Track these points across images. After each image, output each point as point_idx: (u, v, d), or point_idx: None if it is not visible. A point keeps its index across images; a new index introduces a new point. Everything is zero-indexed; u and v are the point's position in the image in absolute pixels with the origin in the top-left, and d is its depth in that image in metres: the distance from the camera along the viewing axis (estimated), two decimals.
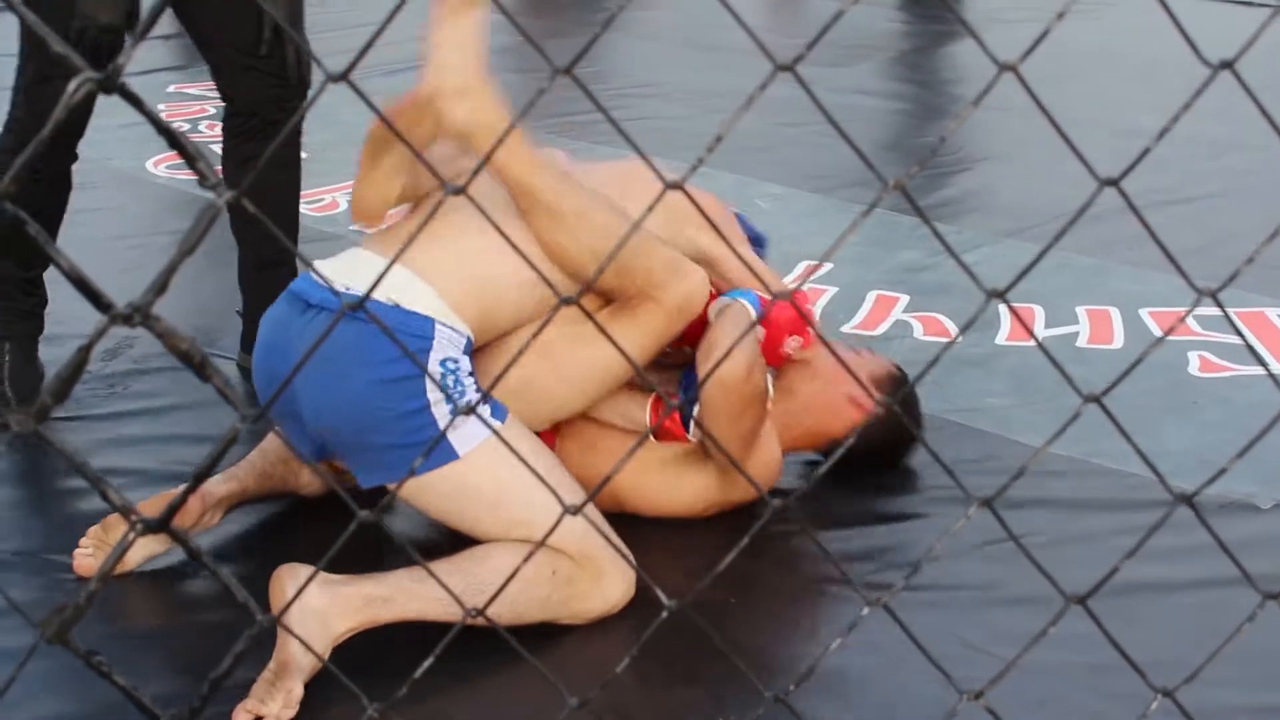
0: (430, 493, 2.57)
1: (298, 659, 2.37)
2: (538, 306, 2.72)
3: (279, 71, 3.40)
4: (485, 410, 2.53)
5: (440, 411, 2.50)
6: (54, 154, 3.32)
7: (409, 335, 2.52)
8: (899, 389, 3.05)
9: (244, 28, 3.35)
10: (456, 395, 2.50)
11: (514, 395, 2.67)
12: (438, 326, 2.56)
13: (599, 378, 2.74)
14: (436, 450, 2.50)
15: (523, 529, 2.52)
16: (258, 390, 2.75)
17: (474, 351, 2.68)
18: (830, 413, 3.06)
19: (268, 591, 2.47)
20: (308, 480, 2.95)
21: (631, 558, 2.46)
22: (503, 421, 2.57)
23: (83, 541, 2.75)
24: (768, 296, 2.79)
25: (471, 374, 2.60)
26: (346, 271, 2.64)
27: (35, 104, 3.31)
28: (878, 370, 3.12)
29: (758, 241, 3.09)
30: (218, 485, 2.81)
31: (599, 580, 2.59)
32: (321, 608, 2.43)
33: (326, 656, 2.42)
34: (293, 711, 2.35)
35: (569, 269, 2.66)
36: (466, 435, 2.52)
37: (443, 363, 2.55)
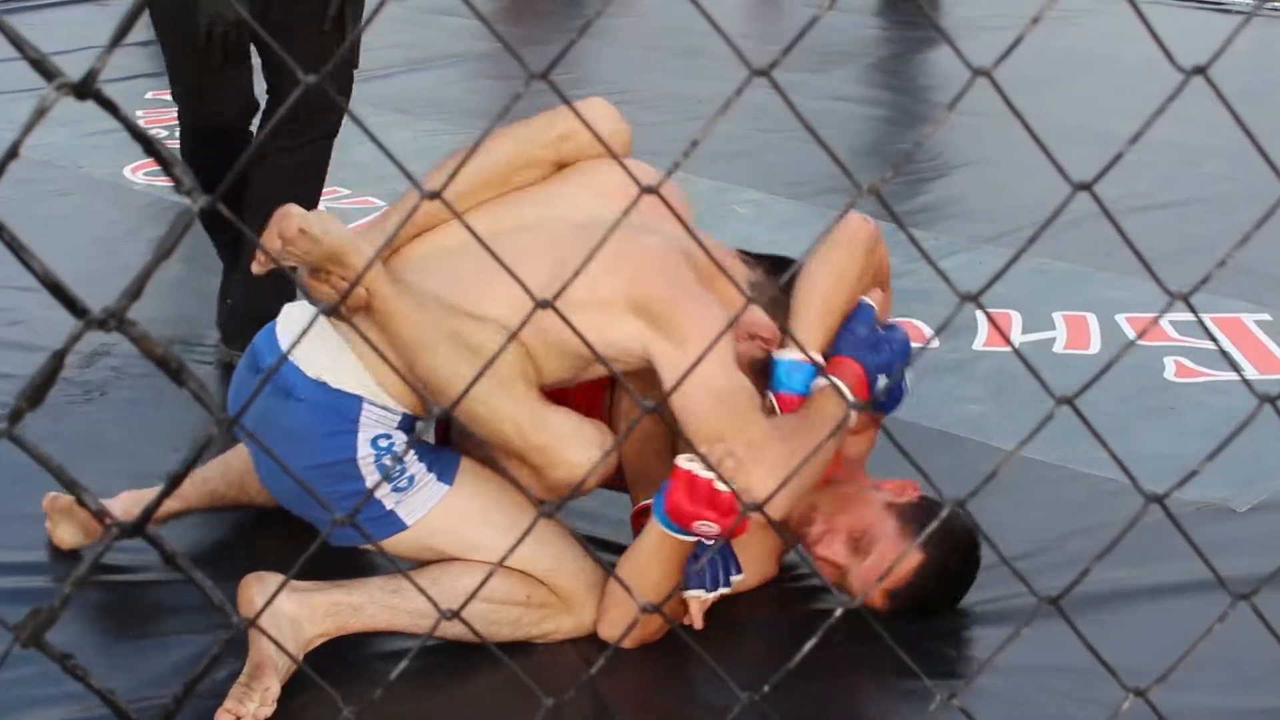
0: (395, 551, 2.57)
1: (273, 659, 2.38)
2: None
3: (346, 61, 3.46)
4: (430, 478, 2.52)
5: (383, 493, 2.48)
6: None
7: (335, 416, 2.48)
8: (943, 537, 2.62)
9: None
10: (397, 474, 2.48)
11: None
12: (365, 406, 2.49)
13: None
14: (384, 523, 2.51)
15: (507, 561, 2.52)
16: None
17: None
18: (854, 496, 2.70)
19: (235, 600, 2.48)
20: (258, 496, 2.90)
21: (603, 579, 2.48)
22: (450, 484, 2.54)
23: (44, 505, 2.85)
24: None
25: (409, 442, 2.48)
26: (286, 337, 2.60)
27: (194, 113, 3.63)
28: (900, 498, 2.71)
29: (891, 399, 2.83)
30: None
31: (573, 609, 2.59)
32: (292, 613, 2.46)
33: (299, 657, 2.44)
34: (270, 710, 2.36)
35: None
36: (413, 506, 2.52)
37: (373, 442, 2.48)
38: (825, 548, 2.59)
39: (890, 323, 2.75)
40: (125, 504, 2.79)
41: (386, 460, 2.49)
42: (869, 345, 2.66)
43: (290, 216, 2.37)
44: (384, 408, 2.49)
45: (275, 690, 2.37)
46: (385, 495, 2.48)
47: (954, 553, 2.61)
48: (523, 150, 2.61)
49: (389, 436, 2.50)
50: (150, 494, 2.80)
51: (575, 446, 2.44)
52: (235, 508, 2.95)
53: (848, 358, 2.62)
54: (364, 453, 2.49)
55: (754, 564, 2.71)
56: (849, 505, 2.64)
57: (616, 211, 2.31)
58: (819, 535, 2.61)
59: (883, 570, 2.53)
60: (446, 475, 2.55)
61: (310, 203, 3.49)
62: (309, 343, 2.45)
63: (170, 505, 2.85)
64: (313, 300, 2.47)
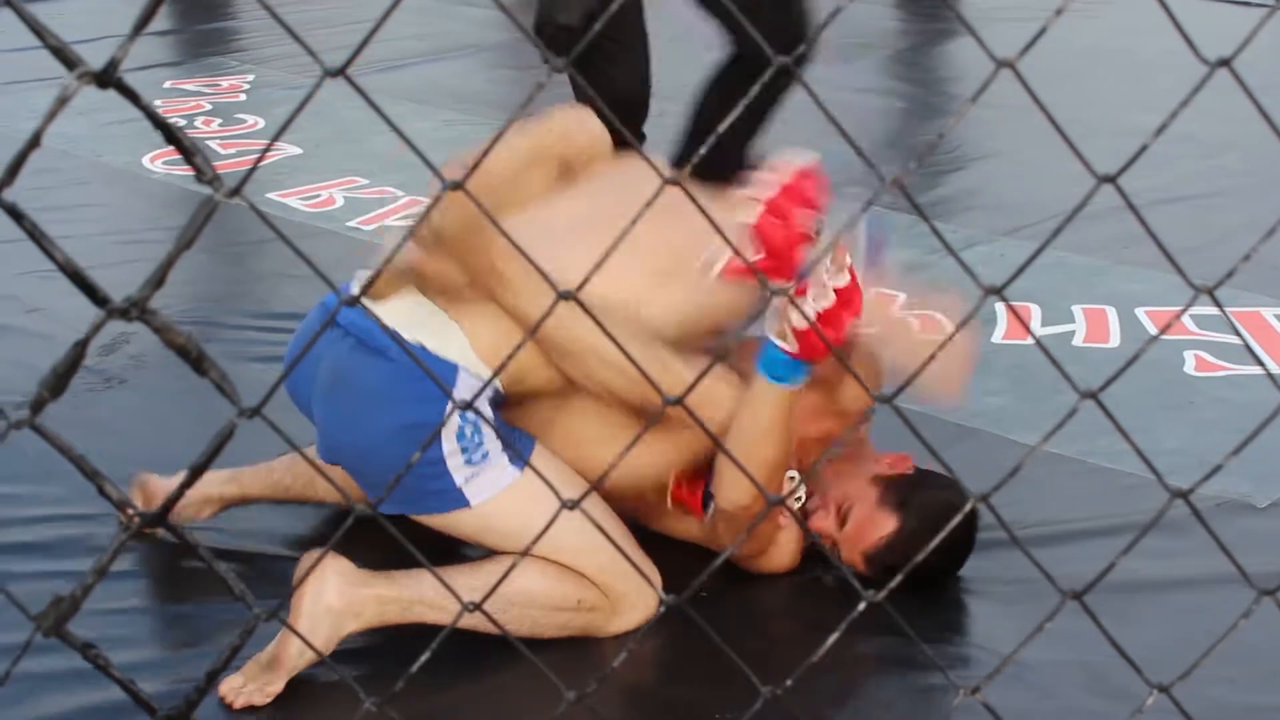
0: (453, 529, 2.57)
1: (292, 655, 2.38)
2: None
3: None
4: (503, 460, 2.50)
5: (455, 463, 2.46)
6: None
7: (430, 380, 2.47)
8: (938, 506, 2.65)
9: None
10: (474, 446, 2.47)
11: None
12: (461, 374, 2.49)
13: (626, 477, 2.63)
14: (449, 498, 2.50)
15: (558, 556, 2.53)
16: (287, 389, 2.70)
17: (512, 404, 2.63)
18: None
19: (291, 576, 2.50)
20: (327, 495, 2.92)
21: (657, 579, 2.47)
22: (521, 469, 2.50)
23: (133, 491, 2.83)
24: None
25: (494, 420, 2.53)
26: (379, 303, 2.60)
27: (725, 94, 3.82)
28: (887, 470, 2.76)
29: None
30: (220, 484, 2.85)
31: (620, 612, 2.57)
32: (337, 607, 2.43)
33: (333, 645, 2.44)
34: (265, 700, 2.38)
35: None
36: (481, 485, 2.50)
37: (463, 414, 2.47)
38: (817, 521, 2.68)
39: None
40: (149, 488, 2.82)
41: (467, 430, 2.47)
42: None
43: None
44: (478, 378, 2.48)
45: (277, 688, 2.38)
46: (457, 469, 2.46)
47: (928, 521, 2.60)
48: (535, 144, 2.62)
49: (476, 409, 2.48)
50: (208, 475, 2.82)
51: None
52: (299, 502, 2.95)
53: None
54: (450, 421, 2.46)
55: (778, 552, 2.72)
56: (841, 479, 2.72)
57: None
58: (814, 509, 2.71)
59: (859, 538, 2.63)
60: (518, 461, 2.51)
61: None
62: (403, 304, 2.49)
63: (227, 490, 2.87)
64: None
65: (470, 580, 2.45)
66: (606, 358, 2.45)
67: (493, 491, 2.50)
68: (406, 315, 2.50)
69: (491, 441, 2.49)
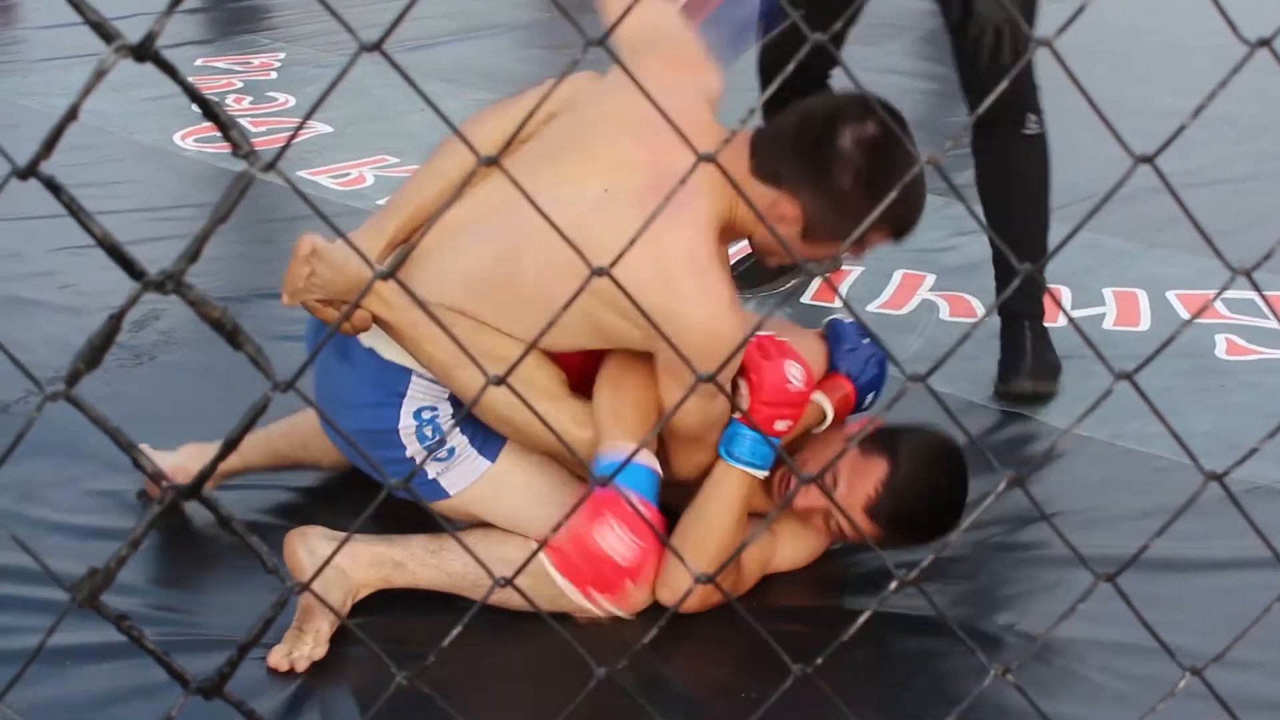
0: (447, 513, 2.59)
1: (321, 607, 2.41)
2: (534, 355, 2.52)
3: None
4: (472, 452, 2.53)
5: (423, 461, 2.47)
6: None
7: (382, 389, 2.50)
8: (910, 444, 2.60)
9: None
10: (437, 446, 2.46)
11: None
12: (414, 378, 2.50)
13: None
14: (429, 490, 2.53)
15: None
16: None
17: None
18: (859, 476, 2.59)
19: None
20: (323, 457, 2.95)
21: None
22: (492, 461, 2.54)
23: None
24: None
25: (453, 415, 2.52)
26: None
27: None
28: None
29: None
30: (197, 465, 2.87)
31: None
32: (338, 561, 2.48)
33: (348, 607, 2.49)
34: (323, 650, 2.42)
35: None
36: (455, 478, 2.54)
37: (416, 414, 2.50)
38: (804, 500, 2.57)
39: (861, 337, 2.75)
40: (188, 457, 2.86)
41: (428, 431, 2.50)
42: (861, 361, 2.72)
43: (309, 245, 2.38)
44: (433, 380, 2.48)
45: (326, 631, 2.43)
46: (428, 464, 2.48)
47: (918, 454, 2.56)
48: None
49: (434, 408, 2.51)
50: (210, 447, 2.87)
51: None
52: (297, 468, 2.98)
53: (842, 375, 2.70)
54: (405, 424, 2.50)
55: (803, 539, 2.71)
56: (815, 454, 2.65)
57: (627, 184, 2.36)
58: (799, 492, 2.58)
59: (854, 492, 2.53)
60: (489, 451, 2.55)
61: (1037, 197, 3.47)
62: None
63: (230, 463, 2.90)
64: None
65: (467, 543, 2.46)
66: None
67: (468, 481, 2.54)
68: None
69: (455, 437, 2.52)
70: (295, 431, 2.93)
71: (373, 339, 2.49)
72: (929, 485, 2.56)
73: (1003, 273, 3.48)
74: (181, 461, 2.85)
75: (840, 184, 2.36)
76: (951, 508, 2.59)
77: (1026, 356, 3.42)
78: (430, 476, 2.52)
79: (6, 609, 2.55)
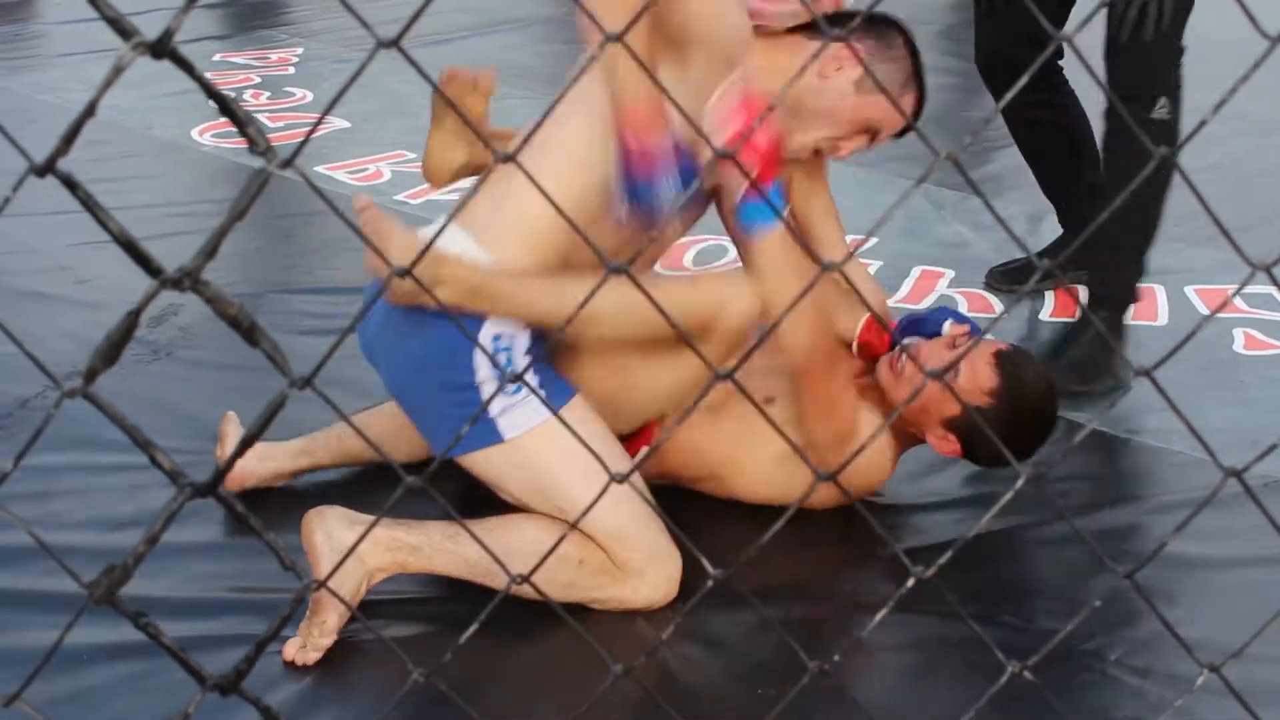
0: (479, 471, 2.58)
1: (332, 599, 2.41)
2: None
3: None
4: (540, 390, 2.52)
5: (488, 390, 2.47)
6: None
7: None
8: (1011, 383, 2.71)
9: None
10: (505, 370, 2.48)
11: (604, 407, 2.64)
12: None
13: (676, 380, 2.68)
14: (481, 431, 2.50)
15: (567, 517, 2.52)
16: (363, 353, 2.75)
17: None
18: (938, 396, 2.73)
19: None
20: (393, 456, 2.96)
21: (676, 557, 2.49)
22: (562, 404, 2.53)
23: (217, 450, 2.92)
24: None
25: (530, 350, 2.53)
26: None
27: None
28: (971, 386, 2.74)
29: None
30: (293, 457, 2.93)
31: (629, 578, 2.55)
32: (351, 541, 2.46)
33: (362, 593, 2.49)
34: (330, 639, 2.41)
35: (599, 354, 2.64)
36: (516, 419, 2.50)
37: (495, 338, 2.48)
38: (903, 387, 2.75)
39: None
40: (255, 455, 2.91)
41: (501, 359, 2.48)
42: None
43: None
44: None
45: (333, 621, 2.42)
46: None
47: (1028, 382, 2.71)
48: None
49: (511, 335, 2.50)
50: (278, 447, 2.91)
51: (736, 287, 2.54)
52: (366, 466, 3.01)
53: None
54: (484, 339, 2.48)
55: (868, 466, 2.79)
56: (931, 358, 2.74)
57: None
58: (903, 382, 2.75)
59: (973, 384, 2.69)
60: (560, 396, 2.54)
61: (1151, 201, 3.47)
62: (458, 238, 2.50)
63: (299, 462, 2.93)
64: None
65: (482, 536, 2.47)
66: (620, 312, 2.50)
67: (526, 427, 2.50)
68: (448, 244, 2.51)
69: (527, 373, 2.50)
70: (367, 432, 2.95)
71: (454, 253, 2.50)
72: (1031, 407, 2.71)
73: (1100, 253, 3.54)
74: (249, 463, 2.90)
75: None
76: (1038, 435, 2.74)
77: (1078, 349, 3.47)
78: (489, 414, 2.48)
79: (25, 605, 2.55)
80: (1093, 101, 3.81)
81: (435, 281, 2.39)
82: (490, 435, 2.51)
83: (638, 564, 2.54)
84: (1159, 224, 3.48)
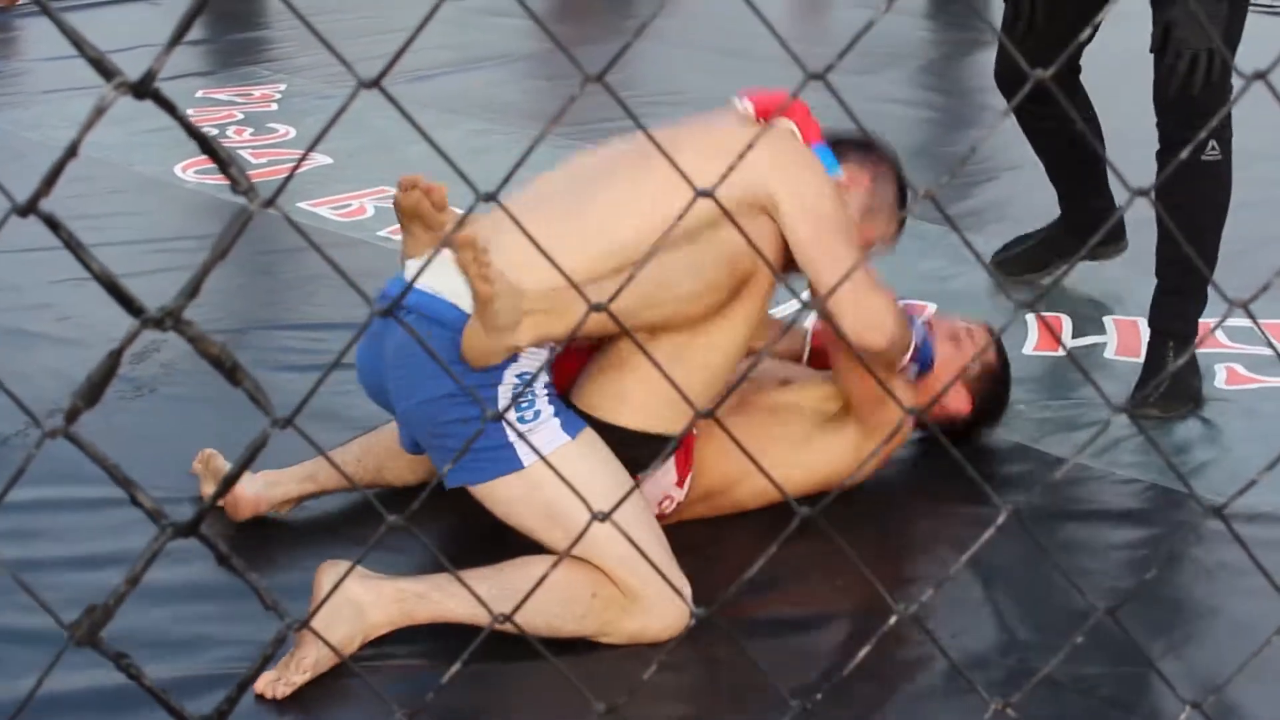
0: (495, 501, 2.58)
1: (311, 648, 2.41)
2: (632, 304, 2.56)
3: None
4: (555, 423, 2.54)
5: (509, 418, 2.49)
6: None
7: None
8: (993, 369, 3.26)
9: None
10: (527, 404, 2.51)
11: (652, 400, 2.67)
12: None
13: (729, 357, 2.73)
14: (502, 459, 2.52)
15: (579, 547, 2.51)
16: (360, 383, 2.79)
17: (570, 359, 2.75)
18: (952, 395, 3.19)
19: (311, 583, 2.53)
20: (396, 480, 3.01)
21: (687, 590, 2.49)
22: (573, 436, 2.55)
23: (195, 465, 2.97)
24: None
25: (548, 386, 2.60)
26: (430, 272, 2.60)
27: None
28: (971, 368, 3.23)
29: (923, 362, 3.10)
30: (299, 481, 2.95)
31: (640, 613, 2.56)
32: (358, 597, 2.48)
33: (356, 644, 2.47)
34: (303, 677, 2.40)
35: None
36: (534, 445, 2.49)
37: (519, 375, 2.53)
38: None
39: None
40: (266, 484, 2.93)
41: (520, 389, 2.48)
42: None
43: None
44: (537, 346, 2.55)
45: (311, 660, 2.41)
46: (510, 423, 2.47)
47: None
48: None
49: (530, 374, 2.51)
50: (285, 473, 2.95)
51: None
52: (372, 485, 3.02)
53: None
54: (507, 380, 2.52)
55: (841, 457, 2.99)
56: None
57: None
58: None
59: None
60: (570, 428, 2.56)
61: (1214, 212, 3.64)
62: (459, 281, 2.50)
63: (305, 487, 2.95)
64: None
65: (490, 576, 2.50)
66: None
67: (544, 451, 2.50)
68: (463, 285, 2.51)
69: (542, 402, 2.55)
70: (369, 455, 2.98)
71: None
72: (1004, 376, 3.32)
73: (1163, 289, 3.65)
74: (259, 489, 2.92)
75: None
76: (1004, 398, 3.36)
77: (1164, 379, 3.53)
78: (508, 440, 2.49)
79: (4, 643, 2.54)
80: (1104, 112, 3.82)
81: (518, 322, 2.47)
82: (510, 462, 2.52)
83: (647, 595, 2.56)
84: (1215, 257, 3.61)
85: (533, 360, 2.54)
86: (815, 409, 3.02)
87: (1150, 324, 3.66)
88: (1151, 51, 3.40)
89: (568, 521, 2.51)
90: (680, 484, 2.85)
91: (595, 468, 2.56)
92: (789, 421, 2.99)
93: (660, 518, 2.83)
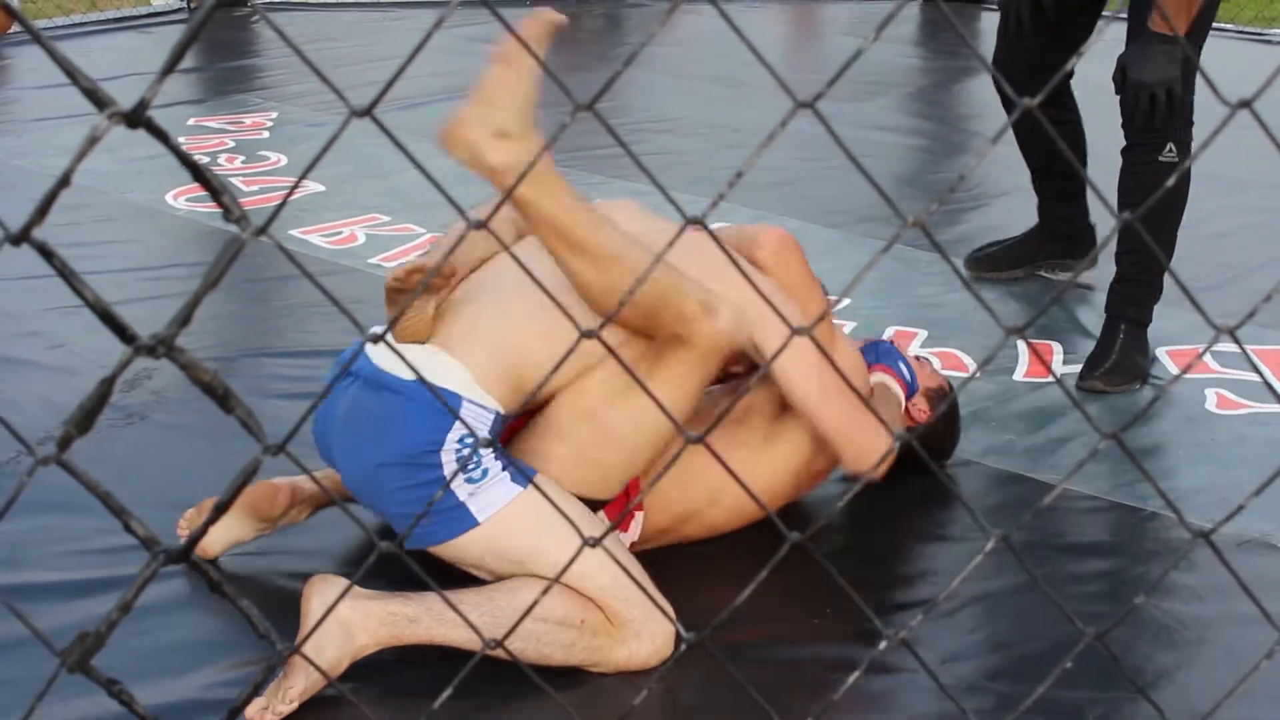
0: (460, 557, 2.61)
1: (299, 671, 2.41)
2: (574, 374, 2.69)
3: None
4: (505, 476, 2.55)
5: (456, 482, 2.50)
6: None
7: (435, 411, 2.53)
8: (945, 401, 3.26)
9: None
10: (474, 465, 2.53)
11: (571, 470, 2.68)
12: (464, 403, 2.56)
13: (650, 429, 2.71)
14: (457, 518, 2.53)
15: (567, 578, 2.54)
16: (315, 440, 2.78)
17: (512, 423, 2.74)
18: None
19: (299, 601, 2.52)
20: None
21: (670, 610, 2.49)
22: (524, 486, 2.56)
23: (180, 523, 2.90)
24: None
25: (493, 446, 2.59)
26: (383, 351, 2.64)
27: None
28: (931, 384, 3.30)
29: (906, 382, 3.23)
30: (315, 487, 2.94)
31: (627, 640, 2.57)
32: (346, 618, 2.48)
33: (344, 666, 2.47)
34: (289, 707, 2.39)
35: (601, 309, 2.65)
36: (486, 500, 2.54)
37: (461, 440, 2.54)
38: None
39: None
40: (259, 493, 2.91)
41: (467, 454, 2.52)
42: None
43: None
44: (481, 405, 2.56)
45: (299, 688, 2.40)
46: (459, 486, 2.50)
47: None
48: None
49: (474, 437, 2.54)
50: (299, 479, 2.94)
51: (722, 300, 2.68)
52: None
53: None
54: (449, 445, 2.53)
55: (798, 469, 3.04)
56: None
57: None
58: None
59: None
60: (520, 479, 2.57)
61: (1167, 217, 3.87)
62: (405, 349, 2.59)
63: (320, 498, 2.96)
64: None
65: (481, 603, 2.50)
66: (629, 265, 2.57)
67: (498, 506, 2.53)
68: (409, 357, 2.58)
69: (489, 460, 2.56)
70: None
71: (423, 369, 2.57)
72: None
73: (1120, 277, 3.95)
74: (230, 533, 2.91)
75: None
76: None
77: (1111, 356, 3.82)
78: (460, 500, 2.52)
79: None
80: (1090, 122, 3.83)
81: (505, 138, 2.54)
82: (465, 520, 2.54)
83: (634, 621, 2.57)
84: (1171, 250, 3.89)
85: (475, 421, 2.56)
86: (766, 401, 3.05)
87: (1106, 309, 3.94)
88: (1116, 92, 3.65)
89: (535, 564, 2.54)
90: (625, 528, 2.86)
91: (552, 510, 2.57)
92: (744, 421, 3.03)
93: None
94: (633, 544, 2.89)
